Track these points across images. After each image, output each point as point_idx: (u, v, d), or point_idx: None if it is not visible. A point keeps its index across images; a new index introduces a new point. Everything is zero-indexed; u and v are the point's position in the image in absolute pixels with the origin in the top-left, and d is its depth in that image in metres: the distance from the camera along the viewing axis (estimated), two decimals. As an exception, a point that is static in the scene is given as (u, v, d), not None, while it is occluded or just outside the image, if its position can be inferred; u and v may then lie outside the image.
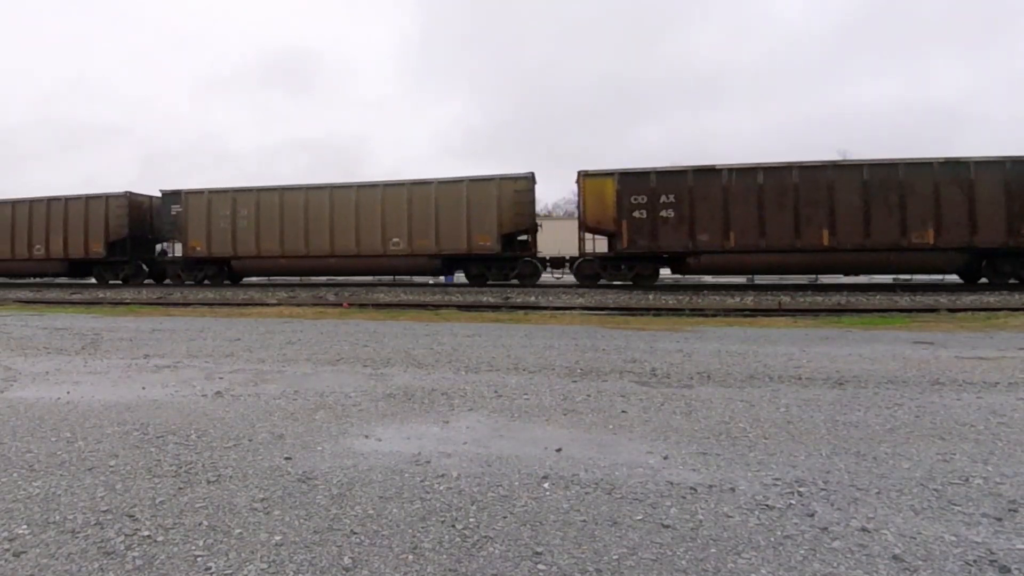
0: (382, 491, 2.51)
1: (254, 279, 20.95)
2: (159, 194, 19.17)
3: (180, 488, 2.56)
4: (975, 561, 1.89)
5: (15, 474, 2.75)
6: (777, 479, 2.60)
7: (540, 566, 1.89)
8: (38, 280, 21.40)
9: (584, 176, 15.43)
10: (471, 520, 2.23)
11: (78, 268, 20.01)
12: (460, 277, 18.67)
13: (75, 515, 2.29)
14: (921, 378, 4.71)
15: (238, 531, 2.15)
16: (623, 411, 3.78)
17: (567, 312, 10.80)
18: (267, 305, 12.83)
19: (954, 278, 16.38)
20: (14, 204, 19.84)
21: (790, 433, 3.29)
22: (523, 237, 16.45)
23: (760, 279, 18.90)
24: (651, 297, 13.44)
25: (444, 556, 1.96)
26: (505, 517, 2.25)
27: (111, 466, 2.84)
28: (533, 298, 13.48)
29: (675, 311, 10.93)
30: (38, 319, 10.32)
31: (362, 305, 12.59)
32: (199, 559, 1.95)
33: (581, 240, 15.87)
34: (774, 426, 3.42)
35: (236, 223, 17.80)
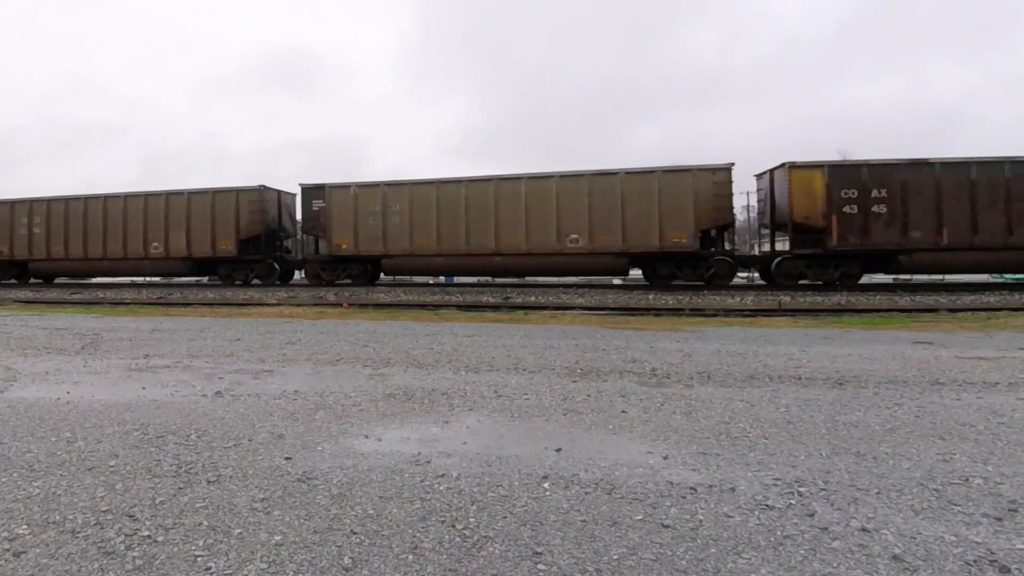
0: (382, 491, 2.51)
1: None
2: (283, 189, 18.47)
3: (180, 488, 2.56)
4: (975, 561, 1.89)
5: (15, 474, 2.75)
6: (777, 479, 2.60)
7: (540, 566, 1.89)
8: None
9: (791, 168, 14.56)
10: (471, 520, 2.23)
11: (203, 268, 18.74)
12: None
13: (75, 515, 2.29)
14: (921, 378, 4.70)
15: (238, 531, 2.15)
16: (623, 411, 3.78)
17: (567, 312, 10.80)
18: (267, 305, 12.83)
19: (954, 278, 16.36)
20: (126, 198, 18.48)
21: (790, 433, 3.29)
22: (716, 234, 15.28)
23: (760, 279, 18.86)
24: (651, 297, 13.44)
25: (444, 556, 1.96)
26: (505, 517, 2.25)
27: (111, 466, 2.84)
28: (533, 298, 13.48)
29: (675, 311, 10.92)
30: (38, 319, 10.32)
31: (362, 305, 12.59)
32: (199, 559, 1.95)
33: (772, 238, 15.35)
34: (774, 426, 3.42)
35: (387, 219, 16.59)
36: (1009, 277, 17.10)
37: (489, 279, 18.88)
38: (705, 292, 14.25)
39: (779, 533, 2.09)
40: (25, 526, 2.20)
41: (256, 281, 18.42)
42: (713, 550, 1.98)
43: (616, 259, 15.32)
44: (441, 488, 2.54)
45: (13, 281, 20.07)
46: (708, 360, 5.57)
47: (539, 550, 1.99)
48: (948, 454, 2.92)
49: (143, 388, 4.61)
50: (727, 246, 15.62)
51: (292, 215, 19.26)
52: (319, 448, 3.09)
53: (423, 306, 12.12)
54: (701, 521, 2.20)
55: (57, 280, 20.88)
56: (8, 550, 2.02)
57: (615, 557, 1.94)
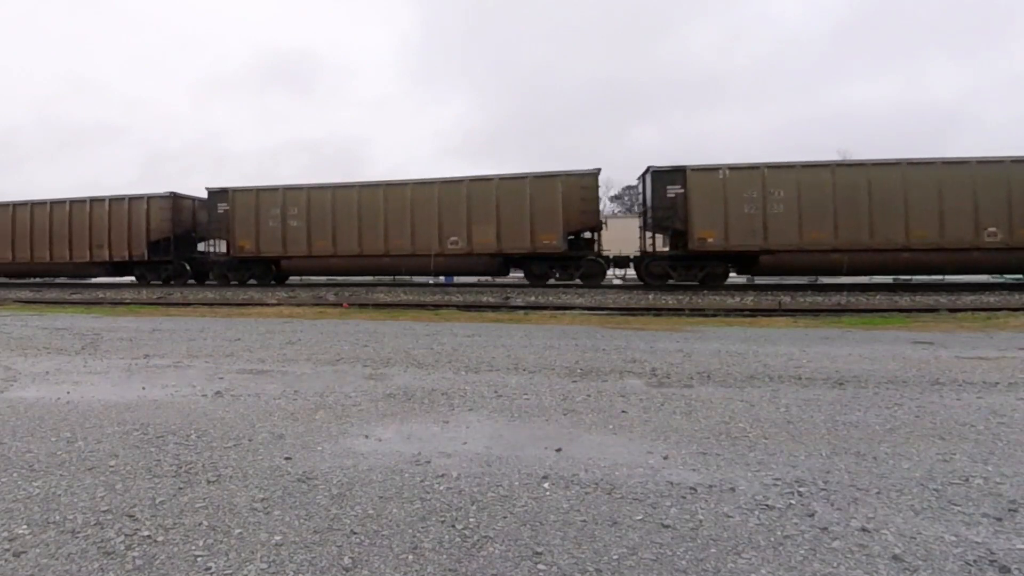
0: (382, 491, 2.51)
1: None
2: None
3: (180, 488, 2.56)
4: (975, 561, 1.89)
5: (15, 474, 2.75)
6: (777, 479, 2.60)
7: (540, 566, 1.89)
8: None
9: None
10: (471, 520, 2.23)
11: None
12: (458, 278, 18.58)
13: (75, 515, 2.29)
14: (921, 378, 4.71)
15: (238, 531, 2.15)
16: (623, 411, 3.78)
17: (567, 312, 10.80)
18: (267, 305, 12.83)
19: (955, 278, 16.34)
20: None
21: (790, 433, 3.29)
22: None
23: (759, 279, 18.84)
24: (651, 297, 13.44)
25: (444, 556, 1.96)
26: (505, 517, 2.25)
27: (111, 466, 2.84)
28: (533, 298, 13.48)
29: (675, 311, 10.92)
30: (38, 319, 10.33)
31: (362, 305, 12.59)
32: (199, 559, 1.95)
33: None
34: (774, 426, 3.42)
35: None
36: (1010, 277, 17.05)
37: (489, 279, 18.96)
38: (705, 292, 14.25)
39: (779, 533, 2.09)
40: (25, 526, 2.21)
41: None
42: (713, 550, 1.98)
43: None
44: (441, 488, 2.54)
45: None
46: (708, 360, 5.57)
47: (539, 550, 1.99)
48: (948, 454, 2.92)
49: (143, 388, 4.61)
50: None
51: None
52: (319, 448, 3.09)
53: (423, 306, 12.12)
54: (701, 521, 2.20)
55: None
56: (8, 550, 2.02)
57: (615, 557, 1.94)
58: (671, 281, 15.46)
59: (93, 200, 19.03)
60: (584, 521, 2.21)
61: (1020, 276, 16.07)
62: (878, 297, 12.79)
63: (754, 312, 10.58)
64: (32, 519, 2.26)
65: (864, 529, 2.12)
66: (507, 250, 15.86)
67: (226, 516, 2.27)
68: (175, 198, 18.81)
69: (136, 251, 18.62)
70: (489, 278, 18.98)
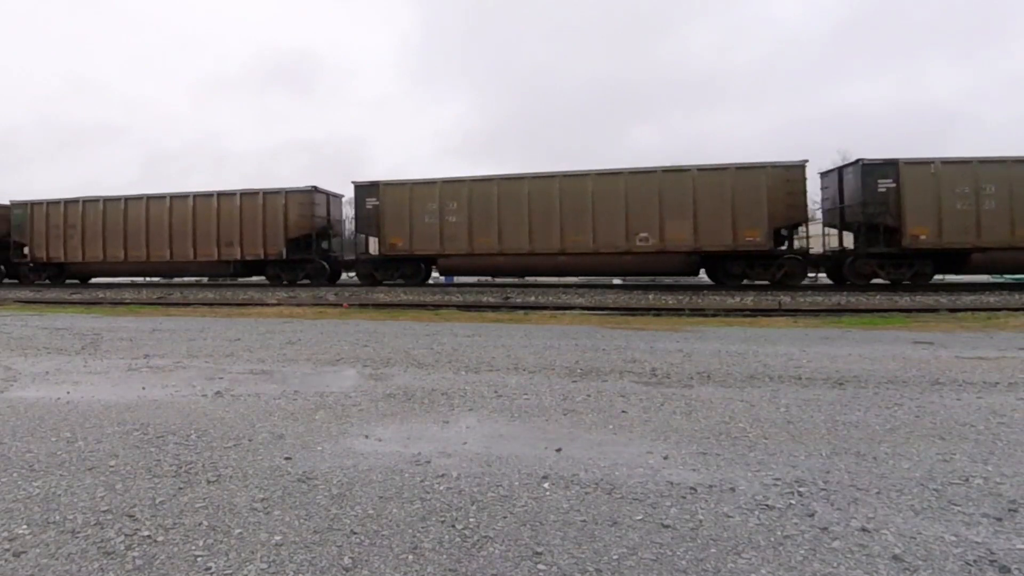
0: (382, 491, 2.51)
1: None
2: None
3: (180, 488, 2.56)
4: (975, 561, 1.89)
5: (15, 474, 2.75)
6: (777, 479, 2.60)
7: (540, 566, 1.89)
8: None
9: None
10: (471, 520, 2.23)
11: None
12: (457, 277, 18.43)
13: (75, 515, 2.29)
14: (921, 378, 4.71)
15: (238, 531, 2.15)
16: (623, 411, 3.78)
17: (567, 312, 10.80)
18: (267, 305, 12.83)
19: (955, 278, 16.32)
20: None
21: (790, 433, 3.29)
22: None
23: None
24: (651, 297, 13.44)
25: (444, 556, 1.96)
26: (505, 517, 2.25)
27: (111, 466, 2.84)
28: (533, 298, 13.48)
29: (675, 311, 10.92)
30: (38, 319, 10.32)
31: (362, 305, 12.59)
32: (199, 559, 1.95)
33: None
34: (774, 426, 3.42)
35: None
36: (1009, 277, 17.02)
37: (489, 279, 18.84)
38: (705, 292, 14.24)
39: (779, 533, 2.09)
40: (25, 526, 2.20)
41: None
42: (713, 550, 1.98)
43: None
44: (441, 488, 2.54)
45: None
46: (708, 360, 5.57)
47: (539, 550, 1.99)
48: (948, 454, 2.92)
49: (143, 388, 4.61)
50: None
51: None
52: (319, 448, 3.09)
53: (423, 306, 12.11)
54: (701, 521, 2.20)
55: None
56: (8, 550, 2.02)
57: (615, 557, 1.94)
58: (877, 280, 14.77)
59: (220, 194, 17.98)
60: (584, 521, 2.21)
61: (1020, 276, 16.06)
62: (878, 297, 12.78)
63: (754, 312, 10.58)
64: (32, 519, 2.26)
65: (864, 529, 2.12)
66: (704, 247, 14.73)
67: (226, 516, 2.27)
68: (315, 192, 17.69)
69: (272, 249, 17.50)
70: (488, 278, 18.80)
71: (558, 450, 3.03)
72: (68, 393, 4.43)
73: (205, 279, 20.58)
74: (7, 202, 20.40)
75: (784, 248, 15.07)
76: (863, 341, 6.80)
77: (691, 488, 2.51)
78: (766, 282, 15.00)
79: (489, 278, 18.72)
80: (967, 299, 11.90)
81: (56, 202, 19.55)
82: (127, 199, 18.85)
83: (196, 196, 18.29)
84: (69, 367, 5.56)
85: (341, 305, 12.69)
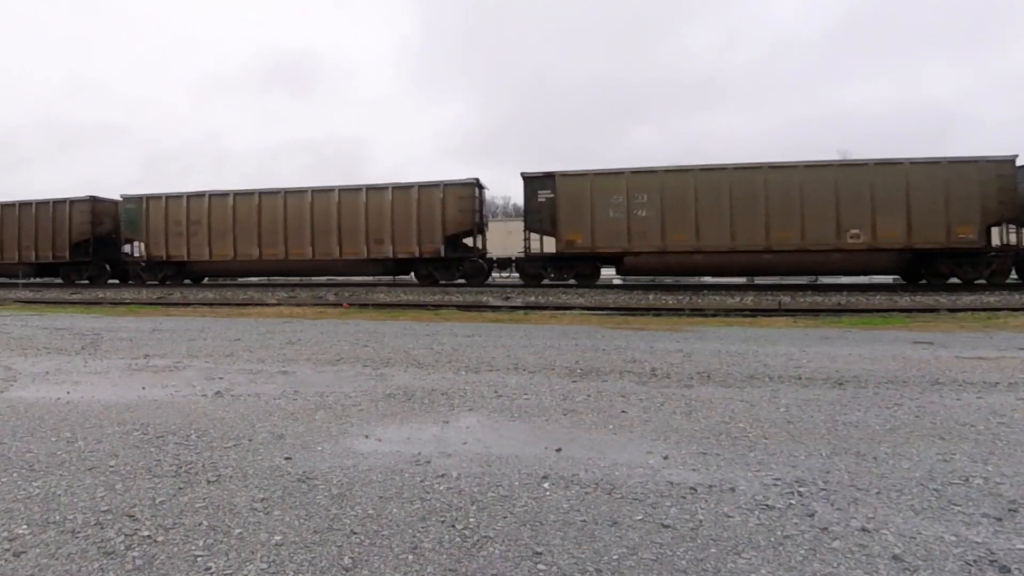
0: (382, 491, 2.51)
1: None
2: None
3: (180, 488, 2.56)
4: (975, 561, 1.89)
5: (15, 474, 2.75)
6: (777, 479, 2.60)
7: (540, 566, 1.89)
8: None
9: None
10: (471, 520, 2.23)
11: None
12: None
13: (75, 515, 2.29)
14: (921, 378, 4.70)
15: (238, 531, 2.15)
16: (623, 411, 3.78)
17: (567, 312, 10.80)
18: (267, 305, 12.83)
19: (955, 278, 16.29)
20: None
21: (790, 433, 3.29)
22: None
23: (760, 279, 18.82)
24: (651, 297, 13.43)
25: (444, 556, 1.96)
26: (505, 517, 2.25)
27: (111, 466, 2.84)
28: (533, 298, 13.47)
29: (675, 311, 10.92)
30: (38, 319, 10.32)
31: (362, 305, 12.59)
32: (199, 559, 1.95)
33: None
34: (774, 426, 3.42)
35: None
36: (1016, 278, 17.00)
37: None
38: (705, 292, 14.22)
39: (779, 533, 2.09)
40: (25, 526, 2.20)
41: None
42: (713, 550, 1.98)
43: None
44: (441, 488, 2.54)
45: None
46: (708, 360, 5.57)
47: (539, 550, 1.99)
48: (948, 454, 2.92)
49: (143, 388, 4.61)
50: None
51: None
52: (319, 448, 3.09)
53: (423, 306, 12.12)
54: (701, 521, 2.20)
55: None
56: (8, 550, 2.02)
57: (615, 557, 1.94)
58: None
59: (369, 188, 17.11)
60: (584, 521, 2.21)
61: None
62: (878, 297, 12.78)
63: (754, 312, 10.57)
64: (32, 519, 2.26)
65: (864, 529, 2.12)
66: (917, 244, 14.02)
67: (226, 516, 2.27)
68: (476, 187, 16.67)
69: (428, 247, 16.54)
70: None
71: (558, 450, 3.03)
72: (68, 393, 4.43)
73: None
74: (118, 197, 19.33)
75: (997, 245, 14.44)
76: (863, 341, 6.80)
77: (691, 488, 2.51)
78: (982, 280, 14.39)
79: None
80: (967, 299, 11.90)
81: (177, 196, 18.46)
82: (261, 193, 17.97)
83: (341, 190, 17.37)
84: (69, 367, 5.56)
85: (341, 305, 12.70)
